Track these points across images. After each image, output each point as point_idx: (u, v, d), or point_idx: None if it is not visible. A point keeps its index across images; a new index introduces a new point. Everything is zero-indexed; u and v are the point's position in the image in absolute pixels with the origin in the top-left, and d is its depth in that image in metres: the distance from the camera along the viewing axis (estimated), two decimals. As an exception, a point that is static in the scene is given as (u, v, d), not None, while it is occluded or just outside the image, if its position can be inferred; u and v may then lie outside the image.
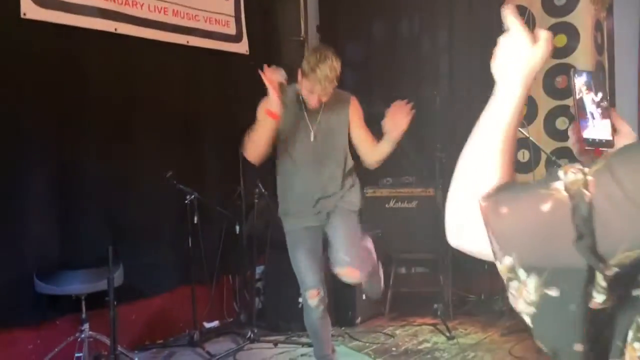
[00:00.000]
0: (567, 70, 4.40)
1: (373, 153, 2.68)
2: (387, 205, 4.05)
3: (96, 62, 3.23)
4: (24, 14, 2.90)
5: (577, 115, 0.80)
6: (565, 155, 3.93)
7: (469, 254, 0.69)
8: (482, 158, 0.70)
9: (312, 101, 2.59)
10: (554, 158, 3.66)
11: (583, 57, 4.46)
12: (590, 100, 0.81)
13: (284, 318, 3.59)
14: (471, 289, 4.04)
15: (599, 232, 0.57)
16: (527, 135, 3.34)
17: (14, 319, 2.86)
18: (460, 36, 4.30)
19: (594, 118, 0.80)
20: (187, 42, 3.69)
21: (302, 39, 4.65)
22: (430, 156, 3.99)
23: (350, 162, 2.80)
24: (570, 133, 0.83)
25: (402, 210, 4.02)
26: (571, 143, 0.83)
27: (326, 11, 4.65)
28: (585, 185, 0.59)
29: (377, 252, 3.80)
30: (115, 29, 3.28)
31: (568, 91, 4.91)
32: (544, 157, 3.92)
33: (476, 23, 4.25)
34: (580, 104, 0.80)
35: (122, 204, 3.26)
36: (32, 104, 2.97)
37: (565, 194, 0.59)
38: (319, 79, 2.47)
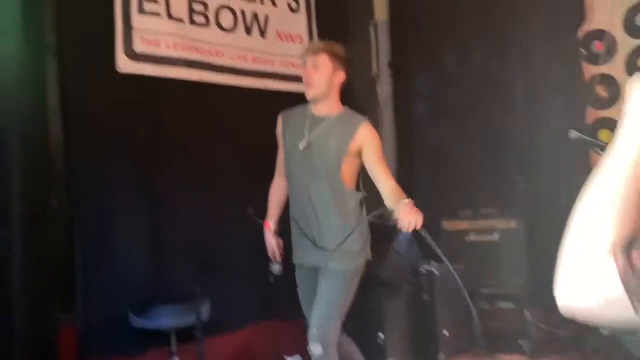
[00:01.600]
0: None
1: (386, 198, 2.38)
2: (466, 239, 3.97)
3: (182, 108, 3.45)
4: (120, 68, 3.18)
5: None
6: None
7: (582, 317, 0.63)
8: (609, 209, 0.62)
9: (317, 108, 2.50)
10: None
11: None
12: None
13: (363, 352, 3.56)
14: (560, 325, 3.84)
15: None
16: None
17: (110, 350, 3.04)
18: (536, 63, 4.22)
19: None
20: (265, 85, 3.87)
21: (373, 75, 4.75)
22: (510, 187, 3.90)
23: (354, 198, 2.48)
24: None
25: (482, 243, 3.92)
26: None
27: (397, 47, 4.72)
28: None
29: (460, 286, 3.72)
30: (200, 78, 3.51)
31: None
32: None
33: (552, 48, 4.16)
34: None
35: (208, 240, 3.41)
36: (126, 148, 3.21)
37: None
38: (306, 67, 2.43)
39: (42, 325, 2.84)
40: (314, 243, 2.47)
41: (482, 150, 4.36)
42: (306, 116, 2.53)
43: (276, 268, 2.65)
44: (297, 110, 2.60)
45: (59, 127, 3.04)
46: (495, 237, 3.88)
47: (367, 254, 2.57)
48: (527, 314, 3.61)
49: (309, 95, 2.47)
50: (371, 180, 2.52)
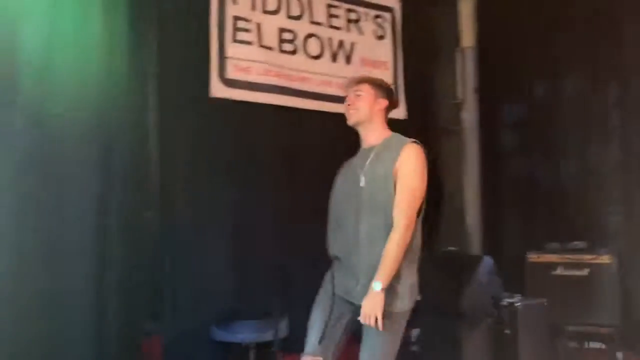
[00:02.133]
0: None
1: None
2: (553, 272, 3.79)
3: (270, 131, 3.60)
4: (213, 94, 3.38)
5: None
6: None
7: None
8: None
9: (365, 140, 2.40)
10: None
11: None
12: None
13: (441, 385, 3.48)
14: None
15: None
16: None
17: (192, 360, 3.18)
18: (634, 90, 4.01)
19: None
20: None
21: (459, 101, 4.70)
22: (602, 220, 3.70)
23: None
24: None
25: (571, 278, 3.73)
26: None
27: (484, 73, 4.65)
28: None
29: (542, 322, 3.55)
30: (287, 103, 3.65)
31: None
32: None
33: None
34: None
35: (288, 259, 3.50)
36: (215, 169, 3.39)
37: None
38: (349, 96, 2.42)
39: (131, 333, 3.02)
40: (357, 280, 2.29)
41: (573, 182, 4.18)
42: (358, 156, 2.44)
43: None
44: (354, 157, 2.48)
45: (156, 145, 3.27)
46: (585, 272, 3.68)
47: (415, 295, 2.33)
48: (620, 356, 3.37)
49: (352, 119, 2.43)
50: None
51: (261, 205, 3.51)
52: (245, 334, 2.96)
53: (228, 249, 3.38)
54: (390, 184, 2.24)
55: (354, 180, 2.35)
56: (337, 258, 2.39)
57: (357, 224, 2.28)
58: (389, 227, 2.20)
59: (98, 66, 2.88)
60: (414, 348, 3.82)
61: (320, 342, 2.26)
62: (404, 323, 2.29)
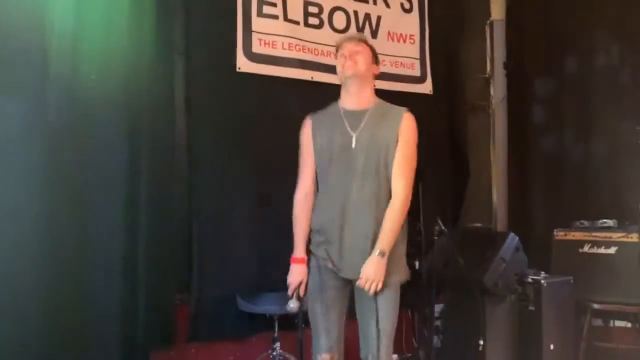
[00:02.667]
0: None
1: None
2: (580, 250, 3.75)
3: (295, 106, 3.60)
4: (239, 68, 3.40)
5: None
6: None
7: None
8: None
9: (351, 102, 2.31)
10: None
11: None
12: None
13: (462, 359, 3.51)
14: None
15: None
16: None
17: (219, 332, 3.27)
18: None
19: None
20: (374, 85, 3.91)
21: (487, 76, 4.62)
22: (633, 198, 3.62)
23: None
24: None
25: (598, 256, 3.69)
26: None
27: (513, 47, 4.56)
28: None
29: (567, 300, 3.53)
30: (312, 77, 3.64)
31: None
32: None
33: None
34: None
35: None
36: (240, 143, 3.42)
37: None
38: (344, 53, 2.29)
39: (161, 303, 3.11)
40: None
41: (602, 159, 4.09)
42: (339, 115, 2.33)
43: (295, 306, 2.35)
44: (327, 111, 2.40)
45: (184, 117, 3.31)
46: (612, 250, 3.63)
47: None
48: (646, 335, 3.35)
49: (352, 71, 2.29)
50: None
51: (287, 175, 3.54)
52: (270, 305, 3.02)
53: (255, 220, 3.43)
54: (391, 151, 2.23)
55: (343, 141, 2.26)
56: (318, 232, 2.33)
57: (348, 191, 2.23)
58: (379, 195, 2.21)
59: (127, 38, 2.90)
60: (438, 323, 3.86)
61: (329, 341, 2.29)
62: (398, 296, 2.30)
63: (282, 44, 3.55)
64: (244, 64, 3.41)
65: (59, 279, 2.66)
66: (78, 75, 2.74)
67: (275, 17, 3.55)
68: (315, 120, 2.41)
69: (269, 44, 3.50)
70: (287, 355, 3.07)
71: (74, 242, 2.73)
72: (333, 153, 2.29)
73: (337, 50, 2.38)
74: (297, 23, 3.64)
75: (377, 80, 3.90)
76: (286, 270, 2.40)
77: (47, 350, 2.60)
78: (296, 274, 2.33)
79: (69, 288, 2.70)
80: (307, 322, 2.91)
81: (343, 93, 2.39)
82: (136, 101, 2.96)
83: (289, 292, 2.33)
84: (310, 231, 2.36)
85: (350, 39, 2.43)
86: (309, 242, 2.39)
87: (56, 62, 2.68)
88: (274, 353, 3.05)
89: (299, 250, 2.35)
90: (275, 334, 3.06)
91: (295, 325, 2.79)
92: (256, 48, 3.46)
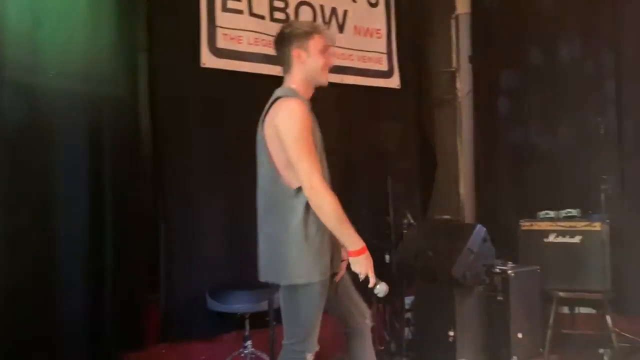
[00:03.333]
0: None
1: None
2: (545, 240, 3.83)
3: (262, 102, 3.57)
4: (204, 64, 3.34)
5: None
6: None
7: None
8: None
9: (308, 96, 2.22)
10: None
11: None
12: None
13: (433, 350, 3.55)
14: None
15: None
16: None
17: (189, 332, 3.23)
18: (629, 59, 3.98)
19: None
20: (342, 80, 3.91)
21: (454, 70, 4.66)
22: (596, 187, 3.71)
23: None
24: None
25: (563, 245, 3.77)
26: None
27: (479, 41, 4.61)
28: None
29: (534, 289, 3.60)
30: (279, 72, 3.60)
31: None
32: None
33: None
34: None
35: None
36: (207, 140, 3.37)
37: None
38: (332, 54, 2.22)
39: (129, 303, 3.06)
40: None
41: (567, 150, 4.18)
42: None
43: (385, 287, 2.20)
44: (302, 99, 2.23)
45: (147, 115, 3.25)
46: (577, 239, 3.71)
47: None
48: (609, 320, 3.43)
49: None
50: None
51: (253, 176, 3.51)
52: (240, 304, 3.00)
53: (223, 218, 3.39)
54: None
55: (320, 137, 2.21)
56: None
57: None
58: None
59: (87, 36, 2.85)
60: (408, 315, 3.89)
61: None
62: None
63: (248, 39, 3.51)
64: (208, 60, 3.36)
65: (25, 280, 2.61)
66: (36, 74, 2.66)
67: (240, 11, 3.51)
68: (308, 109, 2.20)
69: (234, 39, 3.45)
70: (258, 354, 3.06)
71: (38, 243, 2.68)
72: (318, 145, 2.18)
73: (323, 43, 2.22)
74: (263, 18, 3.60)
75: (345, 75, 3.96)
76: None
77: (14, 350, 2.54)
78: (369, 260, 2.13)
79: (36, 289, 2.65)
80: (278, 320, 2.91)
81: (308, 87, 2.27)
82: (98, 101, 2.90)
83: (373, 280, 2.13)
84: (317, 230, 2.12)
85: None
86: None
87: (13, 61, 2.60)
88: (246, 351, 3.03)
89: (360, 239, 2.13)
90: (246, 333, 3.04)
91: (267, 323, 2.79)
92: (221, 43, 3.41)
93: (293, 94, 2.21)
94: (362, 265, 2.10)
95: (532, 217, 3.92)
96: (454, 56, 4.64)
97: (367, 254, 2.12)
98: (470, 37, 4.64)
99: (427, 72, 4.64)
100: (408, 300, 3.89)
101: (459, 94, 4.64)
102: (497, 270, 3.50)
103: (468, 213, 4.54)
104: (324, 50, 2.23)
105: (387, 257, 3.69)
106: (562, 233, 3.78)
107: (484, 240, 3.56)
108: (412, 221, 3.59)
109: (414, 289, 3.83)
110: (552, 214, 3.88)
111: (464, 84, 4.64)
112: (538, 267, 3.64)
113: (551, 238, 3.80)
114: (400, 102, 4.26)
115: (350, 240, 2.10)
